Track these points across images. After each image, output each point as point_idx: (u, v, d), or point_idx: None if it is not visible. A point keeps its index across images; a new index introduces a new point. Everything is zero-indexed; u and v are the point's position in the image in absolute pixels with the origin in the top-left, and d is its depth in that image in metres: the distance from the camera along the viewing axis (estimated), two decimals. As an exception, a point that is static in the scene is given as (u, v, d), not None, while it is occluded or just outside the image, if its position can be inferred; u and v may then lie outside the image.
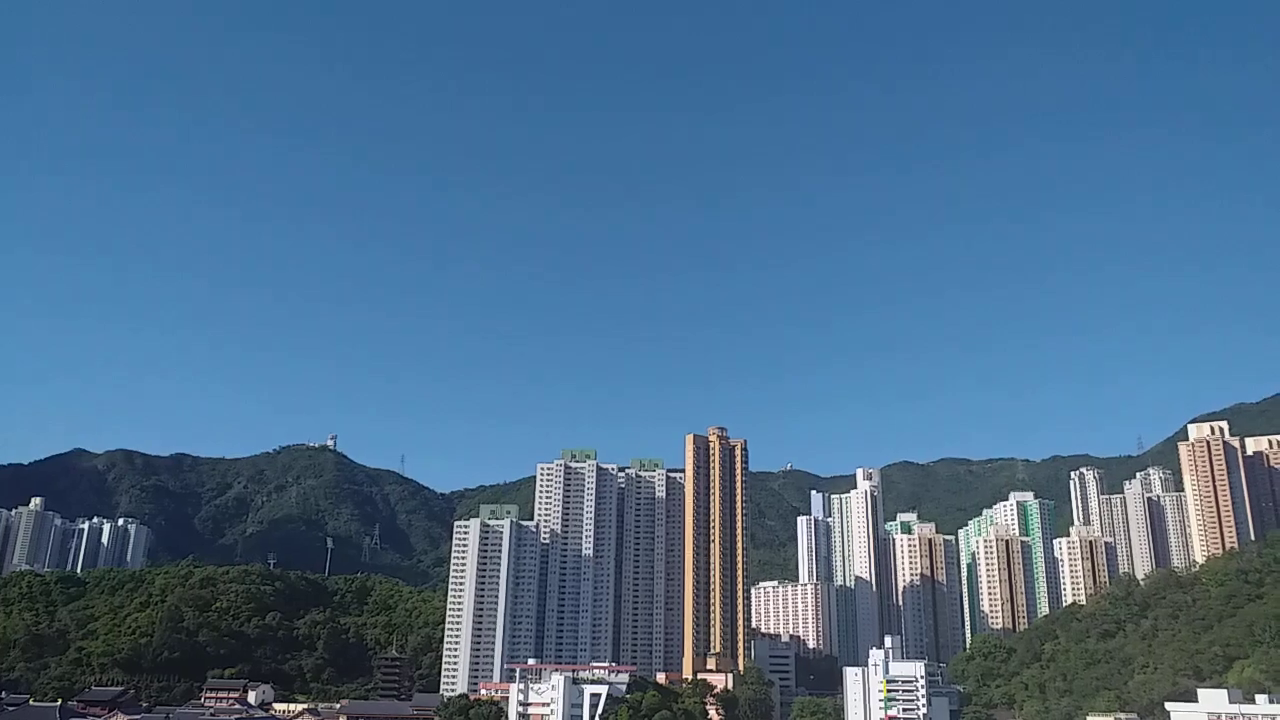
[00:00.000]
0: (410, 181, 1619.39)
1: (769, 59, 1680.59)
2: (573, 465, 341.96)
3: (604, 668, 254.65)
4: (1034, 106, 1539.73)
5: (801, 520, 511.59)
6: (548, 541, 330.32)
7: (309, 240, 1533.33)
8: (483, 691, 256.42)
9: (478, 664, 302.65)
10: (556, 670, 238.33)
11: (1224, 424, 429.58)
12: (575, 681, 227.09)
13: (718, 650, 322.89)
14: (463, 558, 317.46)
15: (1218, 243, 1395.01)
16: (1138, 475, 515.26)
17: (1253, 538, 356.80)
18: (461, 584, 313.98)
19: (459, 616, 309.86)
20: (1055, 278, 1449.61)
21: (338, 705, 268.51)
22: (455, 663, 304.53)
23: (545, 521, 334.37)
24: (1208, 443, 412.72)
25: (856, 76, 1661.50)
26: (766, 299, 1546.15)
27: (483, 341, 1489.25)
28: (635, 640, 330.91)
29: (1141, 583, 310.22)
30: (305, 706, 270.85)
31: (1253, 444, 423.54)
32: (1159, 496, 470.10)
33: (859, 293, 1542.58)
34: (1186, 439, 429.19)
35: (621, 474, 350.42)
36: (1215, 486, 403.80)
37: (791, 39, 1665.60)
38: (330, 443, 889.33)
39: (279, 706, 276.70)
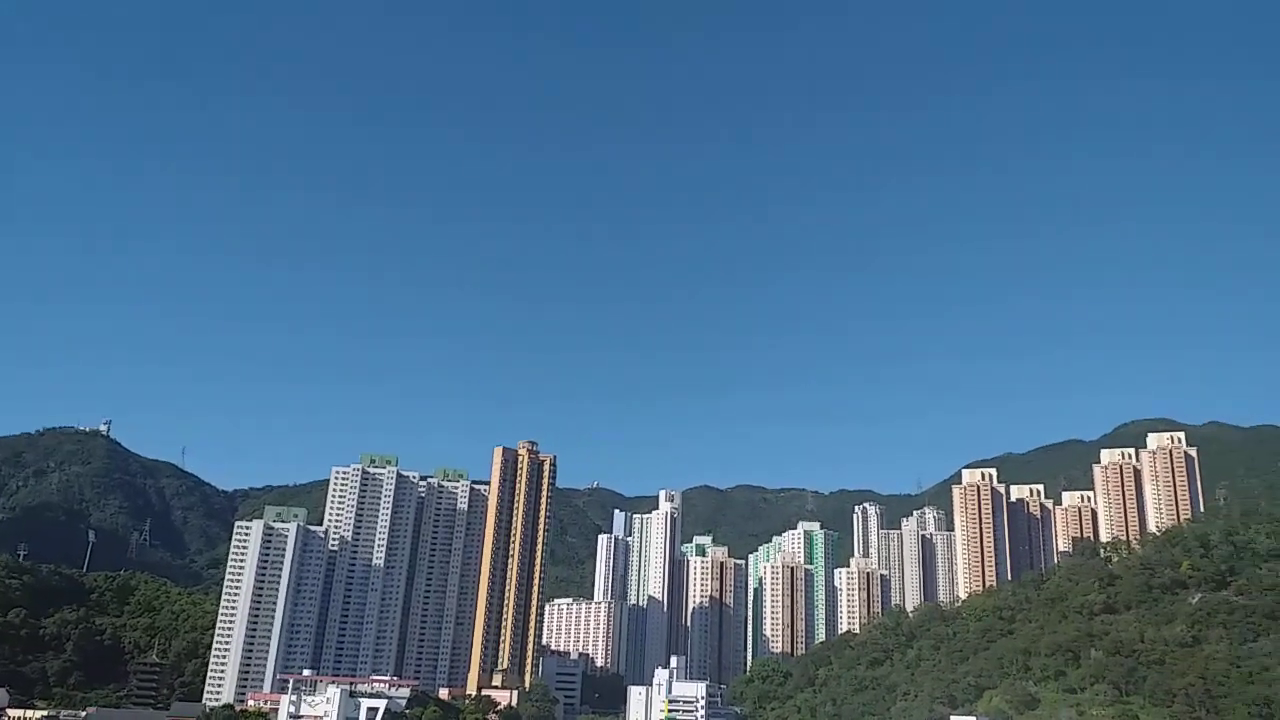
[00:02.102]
0: (234, 179, 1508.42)
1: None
2: (371, 470, 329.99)
3: (384, 681, 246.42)
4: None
5: (602, 538, 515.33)
6: (336, 548, 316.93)
7: (112, 226, 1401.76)
8: (250, 702, 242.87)
9: (248, 673, 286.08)
10: (333, 682, 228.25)
11: (993, 471, 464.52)
12: (352, 694, 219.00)
13: (505, 667, 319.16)
14: (241, 560, 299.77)
15: (1001, 296, 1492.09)
16: (915, 513, 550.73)
17: (1010, 577, 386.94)
18: (237, 588, 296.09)
19: (231, 622, 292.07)
20: (859, 319, 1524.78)
21: (83, 713, 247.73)
22: (223, 671, 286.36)
23: (336, 528, 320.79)
24: (978, 488, 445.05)
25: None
26: (586, 322, 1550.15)
27: (286, 338, 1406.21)
28: (421, 654, 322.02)
29: (910, 614, 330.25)
30: (45, 713, 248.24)
31: (1016, 491, 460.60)
32: (932, 534, 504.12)
33: (678, 324, 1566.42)
34: (960, 482, 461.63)
35: (423, 483, 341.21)
36: (981, 528, 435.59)
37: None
38: (103, 428, 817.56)
39: (13, 712, 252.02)
